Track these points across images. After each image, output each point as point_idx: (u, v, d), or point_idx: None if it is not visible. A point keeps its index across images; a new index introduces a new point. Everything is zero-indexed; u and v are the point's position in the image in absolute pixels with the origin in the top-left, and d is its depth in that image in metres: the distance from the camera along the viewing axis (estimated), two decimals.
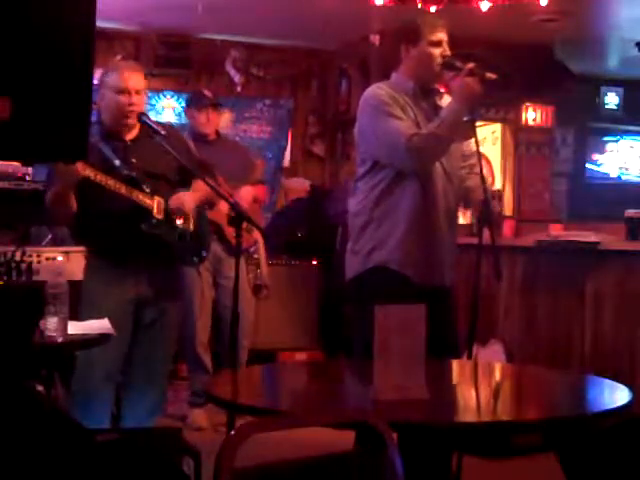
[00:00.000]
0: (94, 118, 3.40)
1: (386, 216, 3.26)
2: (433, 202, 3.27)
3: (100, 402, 3.47)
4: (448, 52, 3.31)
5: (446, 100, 3.42)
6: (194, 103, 5.01)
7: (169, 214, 3.54)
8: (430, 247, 3.28)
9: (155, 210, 3.49)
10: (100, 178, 3.33)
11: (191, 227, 3.64)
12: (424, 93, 3.36)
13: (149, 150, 3.53)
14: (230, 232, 4.63)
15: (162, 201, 3.52)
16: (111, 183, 3.36)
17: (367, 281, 3.27)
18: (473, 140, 3.34)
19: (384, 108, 3.24)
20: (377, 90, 3.31)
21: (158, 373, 3.67)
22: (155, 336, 3.59)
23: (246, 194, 4.89)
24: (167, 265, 3.61)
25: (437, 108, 3.37)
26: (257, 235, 5.08)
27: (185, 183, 3.65)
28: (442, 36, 3.31)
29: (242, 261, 4.96)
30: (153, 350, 3.60)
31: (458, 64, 3.28)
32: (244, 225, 4.84)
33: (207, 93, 5.16)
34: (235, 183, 4.82)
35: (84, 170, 3.25)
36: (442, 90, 3.44)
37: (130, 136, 3.55)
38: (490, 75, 3.23)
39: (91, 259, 3.60)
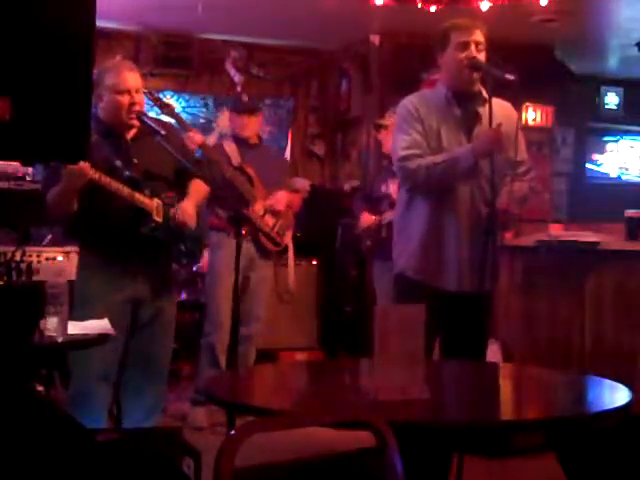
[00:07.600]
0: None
1: (406, 227, 3.43)
2: (452, 209, 3.33)
3: (96, 402, 3.45)
4: (474, 53, 3.27)
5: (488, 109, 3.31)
6: (233, 107, 5.15)
7: (167, 216, 3.53)
8: (442, 255, 3.34)
9: (154, 212, 3.49)
10: (104, 181, 3.33)
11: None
12: (461, 99, 3.35)
13: (148, 150, 3.53)
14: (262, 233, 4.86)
15: (161, 203, 3.52)
16: (114, 186, 3.37)
17: (395, 284, 3.52)
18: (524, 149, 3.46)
19: (400, 122, 3.38)
20: (404, 102, 3.42)
21: (157, 373, 3.65)
22: (153, 336, 3.58)
23: (282, 198, 5.00)
24: (163, 264, 3.60)
25: (477, 115, 3.36)
26: (288, 240, 5.12)
27: (182, 182, 3.65)
28: (470, 38, 3.29)
29: (271, 263, 5.06)
30: (151, 350, 3.59)
31: (483, 65, 3.27)
32: (276, 228, 4.99)
33: (244, 98, 5.29)
34: (271, 188, 4.96)
35: (93, 173, 3.27)
36: (485, 95, 3.36)
37: (130, 135, 3.55)
38: (509, 76, 3.22)
39: (86, 257, 3.56)
